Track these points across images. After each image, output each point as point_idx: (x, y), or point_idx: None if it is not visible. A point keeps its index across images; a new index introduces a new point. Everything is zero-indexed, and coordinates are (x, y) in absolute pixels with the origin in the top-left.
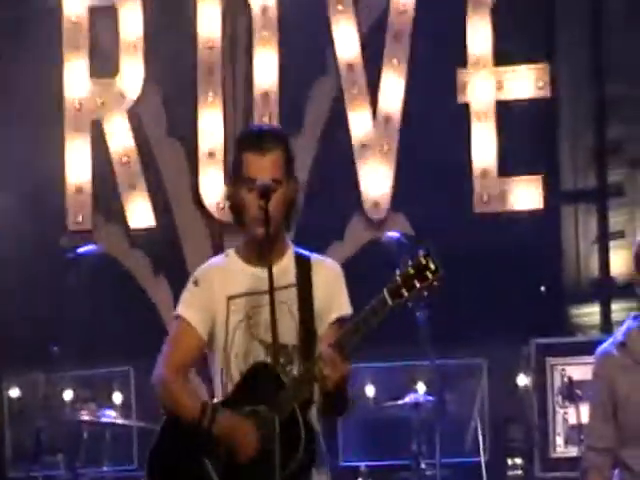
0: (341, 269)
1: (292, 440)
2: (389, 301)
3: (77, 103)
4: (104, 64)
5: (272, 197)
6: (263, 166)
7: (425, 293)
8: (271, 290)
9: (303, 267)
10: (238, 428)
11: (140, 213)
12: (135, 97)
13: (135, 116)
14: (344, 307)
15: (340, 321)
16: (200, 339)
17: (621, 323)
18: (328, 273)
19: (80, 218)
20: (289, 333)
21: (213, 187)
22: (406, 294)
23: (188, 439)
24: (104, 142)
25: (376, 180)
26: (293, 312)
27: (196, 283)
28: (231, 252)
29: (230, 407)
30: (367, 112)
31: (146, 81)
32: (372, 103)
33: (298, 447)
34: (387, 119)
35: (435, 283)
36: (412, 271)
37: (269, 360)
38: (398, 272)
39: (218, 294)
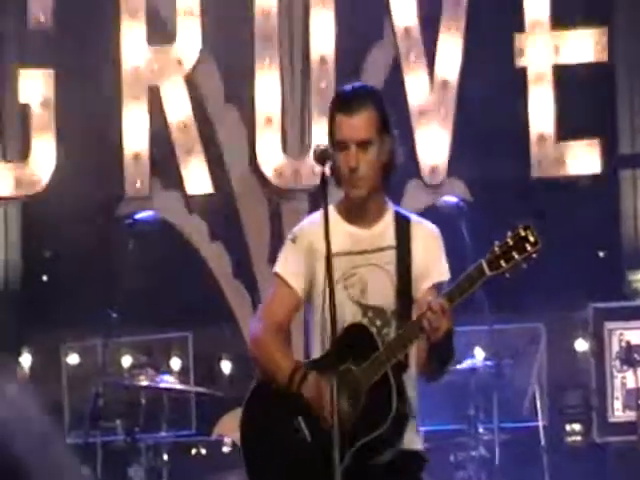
0: (440, 233)
1: (384, 404)
2: (487, 271)
3: (134, 70)
4: (161, 31)
5: (361, 158)
6: (352, 127)
7: (524, 265)
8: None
9: (402, 229)
10: (325, 393)
11: (198, 179)
12: (192, 64)
13: (192, 83)
14: (443, 273)
15: (437, 287)
16: (296, 297)
17: None
18: (428, 236)
19: (138, 184)
20: (387, 296)
21: (270, 153)
22: (504, 265)
23: (281, 399)
24: (161, 109)
25: (433, 145)
26: (392, 275)
27: (294, 240)
28: (331, 208)
29: (324, 367)
30: (424, 77)
31: (203, 47)
32: (429, 68)
33: (389, 413)
34: (444, 84)
35: (534, 255)
36: (511, 242)
37: (365, 322)
38: (497, 243)
39: (317, 251)
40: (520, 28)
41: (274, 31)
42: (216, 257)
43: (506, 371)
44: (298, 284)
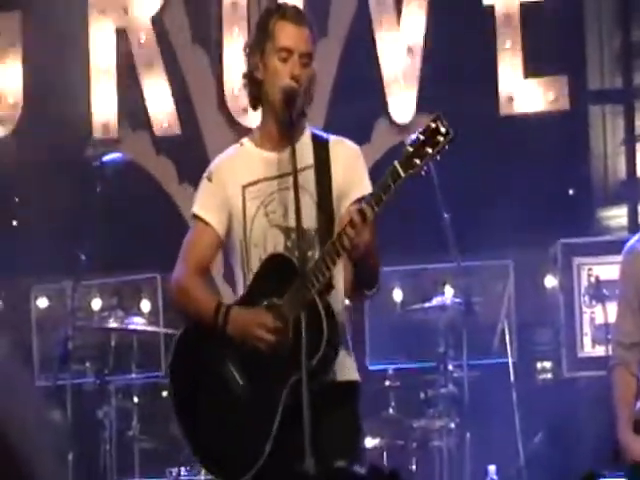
0: (359, 150)
1: (314, 331)
2: (402, 173)
3: (101, 9)
4: None
5: (305, 70)
6: (300, 36)
7: (438, 157)
8: (295, 172)
9: (321, 148)
10: (252, 321)
11: (166, 120)
12: (160, 4)
13: (159, 23)
14: (365, 187)
15: (360, 201)
16: (216, 236)
17: None
18: (347, 153)
19: (106, 126)
20: (309, 217)
21: (238, 93)
22: (419, 163)
23: (209, 342)
24: (129, 50)
25: (401, 83)
26: (312, 194)
27: (209, 178)
28: (245, 140)
29: (248, 303)
30: (392, 14)
31: None
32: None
33: (320, 340)
34: (412, 22)
35: (446, 147)
36: (422, 137)
37: (289, 245)
38: (409, 142)
39: (232, 185)
40: None
41: None
42: (184, 198)
43: (475, 308)
44: (217, 222)
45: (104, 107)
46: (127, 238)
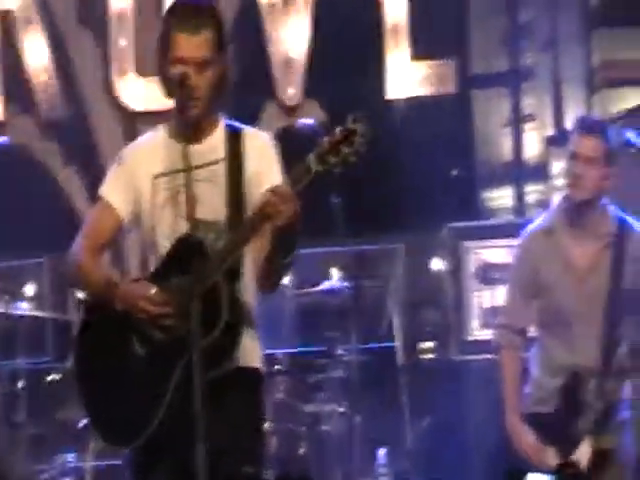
0: (273, 141)
1: (213, 313)
2: (313, 167)
3: None
4: None
5: (203, 75)
6: (193, 46)
7: (352, 159)
8: (188, 169)
9: (234, 140)
10: (136, 293)
11: (51, 103)
12: None
13: (45, 3)
14: (276, 178)
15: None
16: (118, 219)
17: (538, 206)
18: (259, 144)
19: None
20: (218, 209)
21: (124, 75)
22: (332, 160)
23: (113, 318)
24: (15, 31)
25: (290, 66)
26: (222, 187)
27: (119, 163)
28: (161, 127)
29: (152, 282)
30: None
31: None
32: None
33: (219, 320)
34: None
35: (362, 149)
36: (340, 136)
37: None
38: (326, 138)
39: (143, 173)
40: None
41: None
42: (70, 181)
43: (364, 292)
44: (120, 205)
45: None
46: (12, 222)
